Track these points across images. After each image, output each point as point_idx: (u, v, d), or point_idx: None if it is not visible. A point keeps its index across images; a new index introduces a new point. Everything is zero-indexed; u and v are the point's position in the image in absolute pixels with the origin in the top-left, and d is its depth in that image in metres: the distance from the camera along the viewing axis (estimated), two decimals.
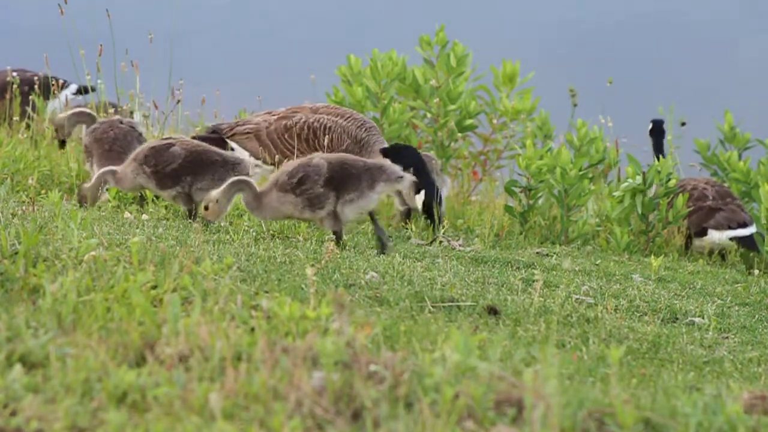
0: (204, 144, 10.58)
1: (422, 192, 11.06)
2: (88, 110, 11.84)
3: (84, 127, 11.62)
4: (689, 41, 24.53)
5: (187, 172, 10.30)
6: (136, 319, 6.40)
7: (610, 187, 13.57)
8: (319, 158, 9.63)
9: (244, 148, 11.04)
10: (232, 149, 11.03)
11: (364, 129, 10.91)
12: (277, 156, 10.94)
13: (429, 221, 11.17)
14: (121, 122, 11.42)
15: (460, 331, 5.88)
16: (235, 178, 9.70)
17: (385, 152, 10.97)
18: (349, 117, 10.96)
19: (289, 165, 9.70)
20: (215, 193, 9.63)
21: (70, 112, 11.81)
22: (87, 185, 10.49)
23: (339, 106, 11.44)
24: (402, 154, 10.97)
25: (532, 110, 14.34)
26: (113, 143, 11.24)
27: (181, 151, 10.35)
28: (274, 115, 11.12)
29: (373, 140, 10.91)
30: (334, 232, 9.72)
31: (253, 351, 5.93)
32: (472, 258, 10.07)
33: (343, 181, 9.56)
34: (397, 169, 9.71)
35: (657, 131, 13.45)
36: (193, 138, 11.00)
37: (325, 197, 9.53)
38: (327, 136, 10.79)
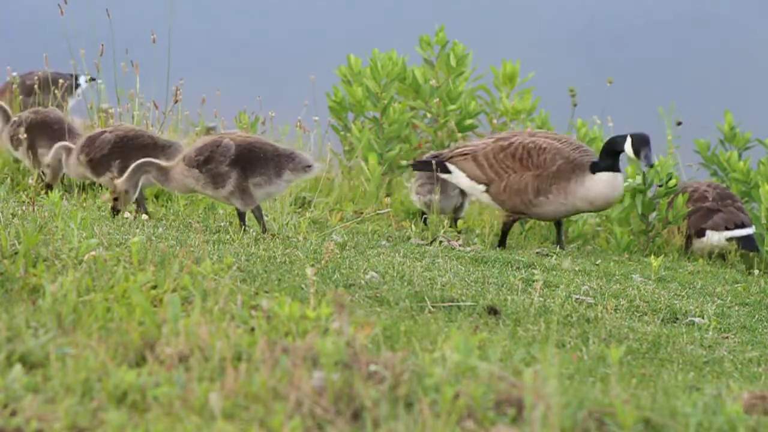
0: (138, 128, 10.84)
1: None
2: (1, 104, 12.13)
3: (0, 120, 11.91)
4: (690, 41, 24.53)
5: (116, 157, 10.47)
6: (136, 319, 6.40)
7: None
8: (229, 139, 9.84)
9: (462, 168, 11.30)
10: (450, 171, 11.30)
11: (578, 151, 11.16)
12: (492, 174, 11.11)
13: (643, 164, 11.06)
14: (50, 111, 11.84)
15: (460, 331, 5.88)
16: (137, 162, 9.88)
17: (607, 145, 11.03)
18: (564, 141, 11.24)
19: (199, 142, 9.96)
20: (121, 182, 9.85)
21: None
22: (48, 160, 10.82)
23: (556, 133, 11.62)
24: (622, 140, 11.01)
25: (532, 110, 14.33)
26: (56, 128, 11.59)
27: (111, 137, 10.54)
28: (492, 138, 11.36)
29: (586, 160, 11.10)
30: (239, 213, 9.92)
31: (253, 351, 5.94)
32: (472, 258, 10.08)
33: (250, 163, 9.77)
34: (307, 158, 9.87)
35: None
36: (413, 164, 11.52)
37: (228, 177, 9.73)
38: (541, 156, 10.96)
